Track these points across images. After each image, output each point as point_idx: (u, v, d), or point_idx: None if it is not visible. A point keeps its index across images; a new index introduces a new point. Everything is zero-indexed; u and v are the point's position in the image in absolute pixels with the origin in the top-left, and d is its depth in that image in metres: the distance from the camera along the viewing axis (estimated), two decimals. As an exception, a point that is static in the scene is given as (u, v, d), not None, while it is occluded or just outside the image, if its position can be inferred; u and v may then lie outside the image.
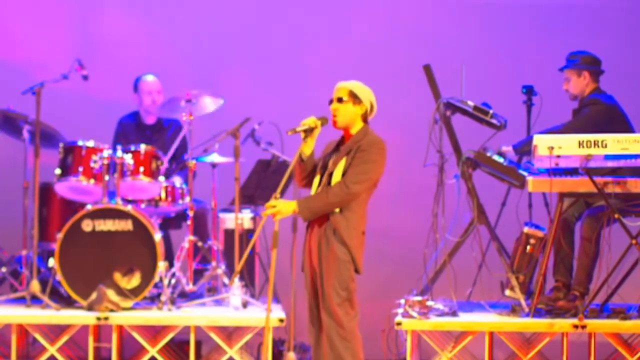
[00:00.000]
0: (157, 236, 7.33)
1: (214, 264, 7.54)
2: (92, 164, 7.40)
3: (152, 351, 7.05)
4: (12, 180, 7.90)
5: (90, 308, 7.14)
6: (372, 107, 5.84)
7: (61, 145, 7.50)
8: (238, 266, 7.21)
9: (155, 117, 8.13)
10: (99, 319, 7.02)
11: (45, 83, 7.47)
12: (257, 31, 8.69)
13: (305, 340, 7.39)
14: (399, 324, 6.87)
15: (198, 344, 7.43)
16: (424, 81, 7.38)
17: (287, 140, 7.62)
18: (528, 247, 7.18)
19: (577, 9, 8.63)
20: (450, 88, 7.39)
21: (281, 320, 6.96)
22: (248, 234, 7.81)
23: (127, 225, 7.30)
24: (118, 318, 7.05)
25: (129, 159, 7.44)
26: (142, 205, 7.61)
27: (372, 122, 5.88)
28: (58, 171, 7.47)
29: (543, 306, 6.98)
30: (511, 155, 7.28)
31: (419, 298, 6.94)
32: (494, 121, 7.22)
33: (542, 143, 6.72)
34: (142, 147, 7.51)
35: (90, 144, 7.47)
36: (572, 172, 6.93)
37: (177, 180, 7.75)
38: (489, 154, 7.19)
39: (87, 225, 7.30)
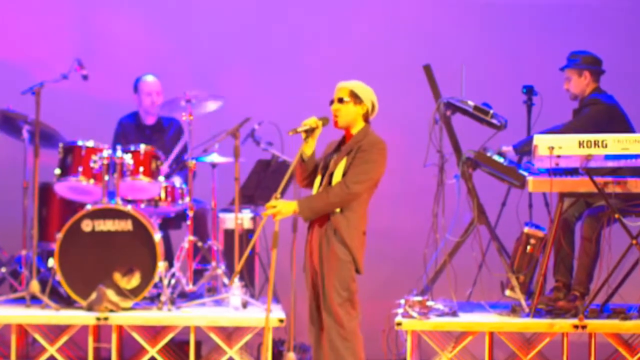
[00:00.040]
0: (157, 236, 7.33)
1: (213, 264, 7.53)
2: (91, 164, 7.39)
3: (152, 351, 7.04)
4: (12, 180, 7.89)
5: (89, 308, 7.13)
6: (373, 106, 5.84)
7: (61, 145, 7.50)
8: (238, 266, 7.21)
9: (155, 118, 8.13)
10: (98, 319, 7.01)
11: (44, 83, 7.46)
12: (257, 31, 8.68)
13: (305, 341, 7.39)
14: (399, 324, 6.86)
15: (198, 344, 7.43)
16: (424, 81, 7.38)
17: (287, 140, 7.61)
18: (528, 247, 7.18)
19: (577, 9, 8.63)
20: (451, 88, 7.38)
21: (281, 321, 6.95)
22: (248, 234, 7.81)
23: (126, 225, 7.30)
24: (118, 318, 7.05)
25: (128, 159, 7.43)
26: (142, 205, 7.61)
27: (373, 122, 5.88)
28: (58, 171, 7.46)
29: (543, 306, 6.98)
30: (511, 155, 7.27)
31: (419, 298, 6.93)
32: (494, 121, 7.21)
33: (543, 143, 6.71)
34: (142, 147, 7.51)
35: (90, 144, 7.46)
36: (572, 172, 6.93)
37: (177, 180, 7.74)
38: (489, 154, 7.18)
39: (86, 226, 7.30)
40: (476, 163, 7.22)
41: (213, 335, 7.08)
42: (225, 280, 7.46)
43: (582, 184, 6.83)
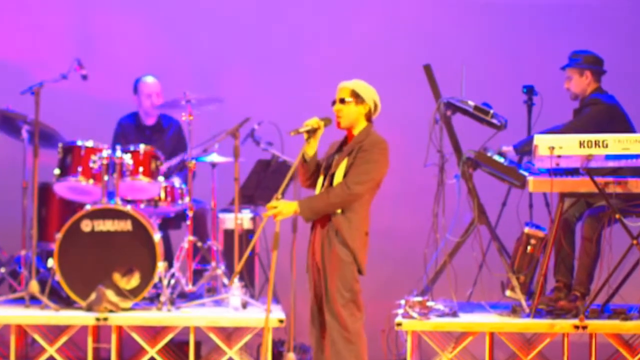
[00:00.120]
0: (157, 236, 7.31)
1: (213, 264, 7.52)
2: (91, 164, 7.38)
3: (152, 352, 7.03)
4: (11, 180, 7.88)
5: (89, 308, 7.12)
6: (375, 106, 5.81)
7: (60, 145, 7.49)
8: (238, 267, 7.20)
9: (154, 118, 8.12)
10: (98, 319, 7.00)
11: (44, 83, 7.45)
12: (257, 31, 8.67)
13: (305, 341, 7.38)
14: (399, 324, 6.85)
15: (197, 345, 7.42)
16: (424, 81, 7.37)
17: (287, 141, 7.60)
18: (529, 248, 7.17)
19: (577, 9, 8.63)
20: (451, 88, 7.37)
21: (281, 321, 6.94)
22: (248, 234, 7.80)
23: (126, 225, 7.29)
24: (117, 319, 7.04)
25: (128, 159, 7.42)
26: (142, 206, 7.60)
27: (373, 122, 5.85)
28: (57, 171, 7.45)
29: (544, 307, 6.97)
30: (512, 155, 7.26)
31: (419, 298, 6.92)
32: (494, 121, 7.21)
33: (543, 143, 6.70)
34: (142, 147, 7.50)
35: (90, 144, 7.45)
36: (573, 172, 6.92)
37: (177, 181, 7.73)
38: (489, 154, 7.17)
39: (86, 226, 7.28)
40: (476, 163, 7.21)
41: (213, 336, 7.07)
42: (225, 281, 7.45)
43: (583, 184, 6.82)
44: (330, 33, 8.65)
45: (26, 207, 7.53)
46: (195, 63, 8.60)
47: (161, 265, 7.26)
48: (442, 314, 6.98)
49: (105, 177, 7.37)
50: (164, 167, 7.60)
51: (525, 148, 7.18)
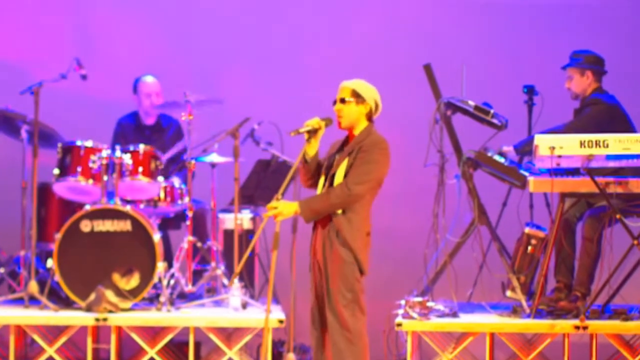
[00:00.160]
0: (156, 237, 7.30)
1: (213, 264, 7.51)
2: (90, 164, 7.37)
3: (151, 352, 7.02)
4: (11, 180, 7.86)
5: (88, 309, 7.11)
6: (376, 105, 5.80)
7: (59, 145, 7.47)
8: (238, 267, 7.18)
9: (154, 118, 8.11)
10: (97, 319, 6.99)
11: (43, 83, 7.44)
12: (257, 31, 8.67)
13: (305, 341, 7.37)
14: (399, 324, 6.84)
15: (197, 345, 7.41)
16: (424, 81, 7.36)
17: (287, 141, 7.59)
18: (529, 248, 7.16)
19: (577, 9, 8.62)
20: (451, 88, 7.37)
21: (281, 321, 6.93)
22: (247, 234, 7.79)
23: (126, 225, 7.28)
24: (117, 319, 7.02)
25: (127, 159, 7.41)
26: (141, 206, 7.59)
27: (374, 121, 5.84)
28: (56, 171, 7.44)
29: (544, 307, 6.96)
30: (512, 156, 7.26)
31: (419, 299, 6.91)
32: (494, 121, 7.20)
33: (544, 143, 6.69)
34: (141, 147, 7.48)
35: (89, 144, 7.44)
36: (573, 172, 6.91)
37: (176, 181, 7.72)
38: (489, 154, 7.16)
39: (85, 226, 7.27)
40: (477, 163, 7.20)
41: (212, 336, 7.06)
42: (225, 281, 7.44)
43: (584, 184, 6.82)
44: (330, 33, 8.65)
45: (25, 207, 7.51)
46: (195, 63, 8.60)
47: (161, 265, 7.25)
48: (443, 315, 6.97)
49: (105, 177, 7.36)
50: (164, 157, 7.59)
51: (525, 148, 7.17)
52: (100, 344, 7.36)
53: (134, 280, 7.24)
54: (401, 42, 8.59)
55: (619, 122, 7.14)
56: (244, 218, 7.83)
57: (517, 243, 7.23)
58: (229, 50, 8.63)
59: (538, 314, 6.94)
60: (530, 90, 7.77)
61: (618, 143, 6.66)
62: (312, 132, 5.72)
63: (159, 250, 7.29)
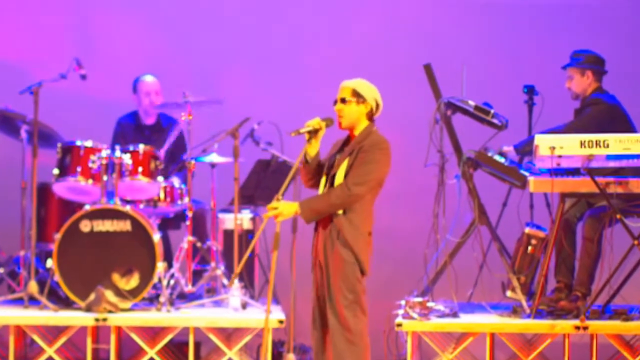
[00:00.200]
0: (156, 237, 7.29)
1: (213, 264, 7.50)
2: (90, 164, 7.36)
3: (151, 352, 7.01)
4: (10, 181, 7.86)
5: (88, 309, 7.10)
6: (377, 105, 5.79)
7: (59, 145, 7.47)
8: (238, 267, 7.18)
9: (154, 118, 8.11)
10: (97, 320, 6.98)
11: (43, 82, 7.43)
12: (257, 31, 8.66)
13: (305, 342, 7.36)
14: (399, 325, 6.83)
15: (197, 345, 7.40)
16: (424, 81, 7.35)
17: (286, 141, 7.59)
18: (529, 248, 7.15)
19: (577, 9, 8.62)
20: (451, 88, 7.36)
21: (281, 322, 6.92)
22: (247, 234, 7.78)
23: (125, 225, 7.27)
24: (116, 319, 7.02)
25: (127, 159, 7.40)
26: (141, 206, 7.58)
27: (375, 121, 5.83)
28: (56, 171, 7.43)
29: (544, 307, 6.95)
30: (512, 156, 7.25)
31: (419, 299, 6.91)
32: (495, 121, 7.19)
33: (544, 143, 6.69)
34: (141, 147, 7.48)
35: (89, 144, 7.43)
36: (573, 172, 6.90)
37: (176, 181, 7.71)
38: (490, 154, 7.16)
39: (85, 226, 7.26)
40: (477, 163, 7.20)
41: (212, 336, 7.05)
42: (225, 281, 7.43)
43: (584, 184, 6.81)
44: (330, 33, 8.64)
45: (25, 207, 7.51)
46: (195, 63, 8.59)
47: (160, 265, 7.24)
48: (443, 315, 6.96)
49: (105, 177, 7.36)
50: (162, 151, 7.59)
51: (526, 148, 7.16)
52: (100, 344, 7.35)
53: (133, 281, 7.24)
54: (401, 42, 8.59)
55: (619, 122, 7.13)
56: (244, 218, 7.82)
57: (517, 243, 7.22)
58: (229, 50, 8.62)
59: (538, 314, 6.93)
60: (530, 90, 7.77)
61: (618, 143, 6.66)
62: (313, 133, 5.71)
63: (159, 250, 7.28)
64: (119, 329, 7.13)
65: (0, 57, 8.57)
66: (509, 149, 7.25)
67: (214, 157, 7.70)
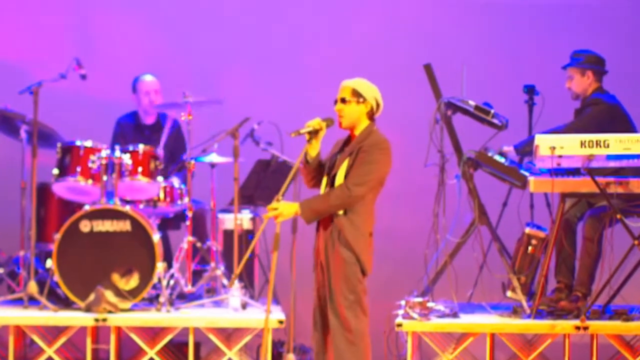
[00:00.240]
0: (156, 237, 7.29)
1: (213, 264, 7.50)
2: (90, 164, 7.35)
3: (151, 353, 7.00)
4: (10, 181, 7.86)
5: (88, 309, 7.09)
6: (377, 104, 5.78)
7: (59, 145, 7.46)
8: (238, 268, 7.17)
9: (154, 117, 8.10)
10: (97, 320, 6.97)
11: (43, 82, 7.42)
12: (257, 31, 8.66)
13: (305, 342, 7.35)
14: (399, 325, 6.83)
15: (197, 346, 7.39)
16: (424, 81, 7.35)
17: (286, 141, 7.58)
18: (530, 248, 7.15)
19: (577, 9, 8.62)
20: (451, 88, 7.35)
21: (281, 322, 6.92)
22: (247, 234, 7.77)
23: (125, 225, 7.26)
24: (116, 319, 7.01)
25: (127, 159, 7.40)
26: (141, 206, 7.57)
27: (375, 120, 5.83)
28: (56, 171, 7.42)
29: (545, 307, 6.95)
30: (512, 156, 7.25)
31: (419, 299, 6.90)
32: (495, 121, 7.19)
33: (544, 143, 6.68)
34: (141, 147, 7.47)
35: (88, 143, 7.43)
36: (574, 172, 6.90)
37: (176, 181, 7.71)
38: (490, 154, 7.15)
39: (85, 226, 7.26)
40: (477, 163, 7.19)
41: (212, 337, 7.05)
42: (225, 281, 7.43)
43: (584, 184, 6.80)
44: (330, 33, 8.64)
45: (25, 207, 7.50)
46: (195, 63, 8.59)
47: (160, 265, 7.24)
48: (443, 315, 6.95)
49: (104, 177, 7.35)
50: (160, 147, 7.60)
51: (526, 148, 7.15)
52: (100, 345, 7.34)
53: (133, 281, 7.23)
54: (401, 42, 8.58)
55: (619, 122, 7.13)
56: (244, 218, 7.81)
57: (517, 243, 7.22)
58: (229, 50, 8.62)
59: (538, 315, 6.92)
60: (530, 90, 7.76)
61: (619, 143, 6.65)
62: (313, 133, 5.70)
63: (159, 250, 7.27)
64: (118, 329, 7.12)
65: (0, 57, 8.57)
66: (509, 149, 7.25)
67: (213, 157, 7.70)
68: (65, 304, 7.27)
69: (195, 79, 8.46)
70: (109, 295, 7.08)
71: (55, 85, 7.54)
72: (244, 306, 7.26)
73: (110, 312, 7.05)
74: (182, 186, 7.68)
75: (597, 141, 6.65)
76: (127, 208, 7.29)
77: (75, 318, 7.05)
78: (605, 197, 6.79)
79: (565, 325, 6.79)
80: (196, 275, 7.59)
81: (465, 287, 7.42)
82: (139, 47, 8.62)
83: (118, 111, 8.12)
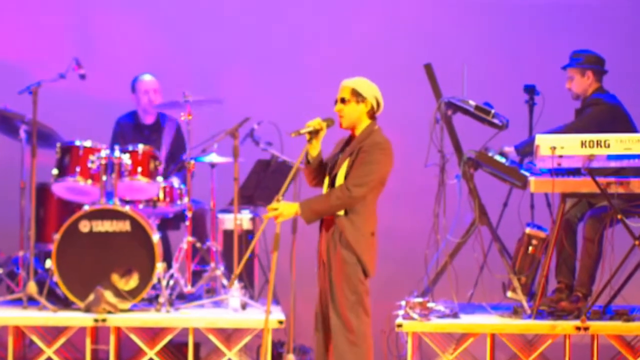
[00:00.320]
0: (155, 237, 7.28)
1: (212, 265, 7.49)
2: (89, 164, 7.34)
3: (150, 353, 7.00)
4: (9, 181, 7.85)
5: (87, 310, 7.08)
6: (378, 103, 5.77)
7: (58, 145, 7.45)
8: (238, 268, 7.16)
9: (153, 117, 8.10)
10: (96, 320, 6.96)
11: (42, 82, 7.41)
12: (257, 31, 8.65)
13: (305, 342, 7.34)
14: (399, 325, 6.82)
15: (196, 346, 7.38)
16: (424, 81, 7.34)
17: (286, 141, 7.57)
18: (530, 248, 7.14)
19: (577, 9, 8.61)
20: (451, 88, 7.35)
21: (280, 322, 6.91)
22: (247, 234, 7.77)
23: (125, 226, 7.25)
24: (116, 320, 7.00)
25: (126, 159, 7.39)
26: (140, 206, 7.56)
27: (376, 119, 5.81)
28: (55, 171, 7.41)
29: (545, 308, 6.94)
30: (513, 156, 7.24)
31: (419, 299, 6.89)
32: (495, 121, 7.18)
33: (545, 143, 6.67)
34: (140, 147, 7.46)
35: (88, 144, 7.42)
36: (574, 172, 6.89)
37: (176, 181, 7.70)
38: (490, 154, 7.15)
39: (84, 226, 7.25)
40: (477, 163, 7.18)
41: (212, 337, 7.04)
42: (224, 282, 7.42)
43: (585, 185, 6.80)
44: (330, 33, 8.63)
45: (24, 207, 7.49)
46: (195, 63, 8.58)
47: (160, 266, 7.23)
48: (443, 315, 6.95)
49: (104, 178, 7.34)
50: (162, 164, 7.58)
51: (526, 148, 7.15)
52: (99, 345, 7.34)
53: (133, 281, 7.22)
54: (401, 42, 8.58)
55: (620, 122, 7.12)
56: (244, 218, 7.80)
57: (517, 243, 7.21)
58: (229, 50, 8.61)
59: (539, 315, 6.92)
60: (531, 90, 7.76)
61: (619, 143, 6.65)
62: (314, 133, 5.69)
63: (158, 250, 7.26)
64: (118, 330, 7.11)
65: (1, 57, 8.56)
66: (509, 149, 7.24)
67: (213, 157, 7.69)
68: (64, 304, 7.26)
69: (195, 79, 8.46)
70: (109, 295, 7.08)
71: (54, 85, 7.54)
72: (244, 306, 7.25)
73: (109, 312, 7.04)
74: (182, 186, 7.67)
75: (597, 141, 6.65)
76: (127, 208, 7.28)
77: (75, 318, 7.04)
78: (606, 197, 6.78)
79: (566, 326, 6.79)
80: (196, 276, 7.58)
81: (465, 287, 7.41)
82: (139, 47, 8.61)
83: (118, 111, 8.12)
